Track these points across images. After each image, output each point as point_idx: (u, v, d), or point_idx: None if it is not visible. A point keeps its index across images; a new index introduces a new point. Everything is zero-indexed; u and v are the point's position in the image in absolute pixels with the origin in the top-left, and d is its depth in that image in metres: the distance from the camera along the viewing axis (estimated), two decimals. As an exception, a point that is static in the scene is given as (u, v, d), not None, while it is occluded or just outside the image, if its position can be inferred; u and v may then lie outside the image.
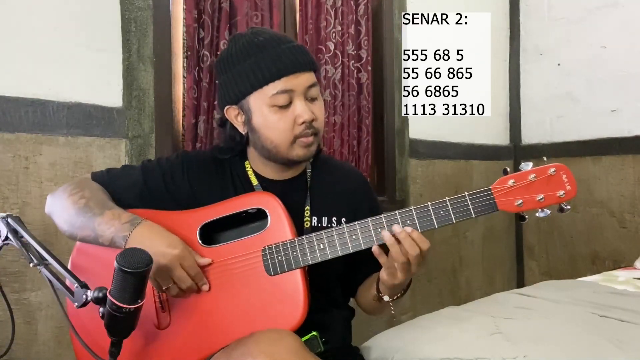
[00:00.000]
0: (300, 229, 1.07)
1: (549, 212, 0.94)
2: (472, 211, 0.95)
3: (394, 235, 0.95)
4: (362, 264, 1.17)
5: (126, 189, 1.10)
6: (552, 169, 0.93)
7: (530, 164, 0.94)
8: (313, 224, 1.12)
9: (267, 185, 1.12)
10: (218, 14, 1.87)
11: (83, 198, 1.05)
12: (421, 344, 1.17)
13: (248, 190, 1.12)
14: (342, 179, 1.21)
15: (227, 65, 1.07)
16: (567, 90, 2.86)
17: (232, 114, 1.10)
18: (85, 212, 1.03)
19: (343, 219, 1.11)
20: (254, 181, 1.13)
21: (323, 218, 1.13)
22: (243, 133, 1.11)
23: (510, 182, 0.94)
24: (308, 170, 1.17)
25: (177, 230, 1.02)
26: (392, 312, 1.08)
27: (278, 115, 1.04)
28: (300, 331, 0.98)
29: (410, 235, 0.95)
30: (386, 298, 1.05)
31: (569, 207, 0.93)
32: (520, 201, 0.93)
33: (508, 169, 0.95)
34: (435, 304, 2.47)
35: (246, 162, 1.16)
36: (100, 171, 1.16)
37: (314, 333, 1.04)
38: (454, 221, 0.95)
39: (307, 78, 1.05)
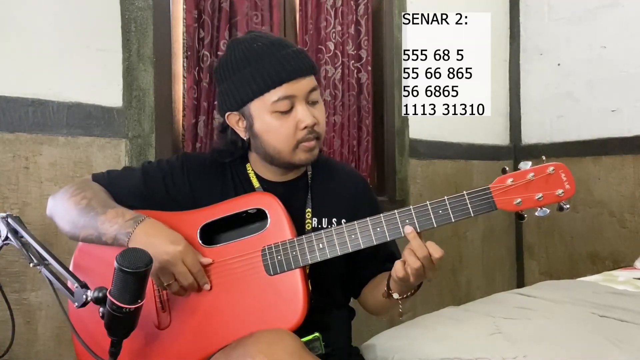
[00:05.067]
0: (301, 231, 1.06)
1: (547, 211, 0.94)
2: (470, 210, 0.94)
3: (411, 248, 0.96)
4: (365, 265, 1.18)
5: (127, 191, 1.10)
6: (551, 168, 0.93)
7: (529, 163, 0.94)
8: (314, 226, 1.12)
9: (269, 187, 1.12)
10: (218, 14, 1.87)
11: (85, 198, 1.05)
12: (421, 344, 1.17)
13: (249, 192, 1.12)
14: (342, 180, 1.21)
15: (227, 72, 1.06)
16: (567, 90, 2.87)
17: (233, 120, 1.10)
18: (88, 212, 1.03)
19: (343, 220, 1.11)
20: (256, 183, 1.13)
21: (323, 219, 1.13)
22: (245, 139, 1.11)
23: (509, 181, 0.93)
24: (309, 172, 1.17)
25: (178, 231, 1.02)
26: (400, 310, 1.08)
27: (280, 121, 1.04)
28: (302, 331, 0.98)
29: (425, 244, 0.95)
30: (395, 296, 1.04)
31: (568, 206, 0.93)
32: (519, 200, 0.93)
33: (507, 168, 0.95)
34: (435, 304, 2.47)
35: (247, 165, 1.16)
36: (101, 173, 1.16)
37: (317, 334, 1.03)
38: (453, 220, 0.95)
39: (307, 82, 1.05)
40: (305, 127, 1.04)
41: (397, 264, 0.97)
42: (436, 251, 0.95)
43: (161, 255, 0.96)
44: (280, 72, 1.02)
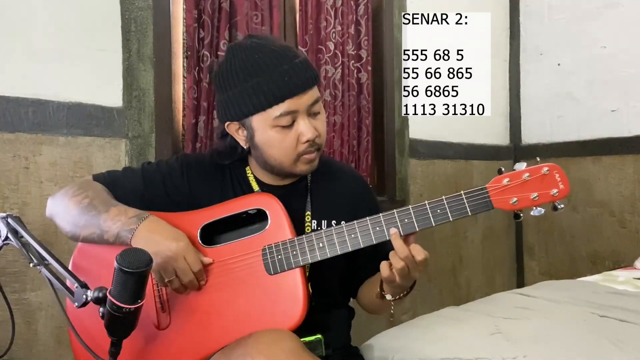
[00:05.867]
0: (301, 234, 1.06)
1: (543, 210, 0.96)
2: (468, 209, 0.96)
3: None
4: (363, 264, 1.17)
5: (127, 193, 1.10)
6: (545, 169, 0.95)
7: (525, 164, 0.96)
8: (314, 228, 1.12)
9: (268, 190, 1.12)
10: (218, 14, 1.87)
11: (87, 198, 1.05)
12: (421, 344, 1.17)
13: (248, 194, 1.12)
14: (341, 181, 1.21)
15: (227, 84, 1.05)
16: (567, 90, 2.86)
17: (233, 128, 1.10)
18: (89, 211, 1.03)
19: (343, 222, 1.11)
20: (255, 186, 1.13)
21: (323, 222, 1.13)
22: (245, 147, 1.11)
23: (505, 181, 0.95)
24: (308, 175, 1.17)
25: (178, 230, 1.02)
26: (392, 311, 1.08)
27: (281, 135, 1.04)
28: (303, 331, 0.98)
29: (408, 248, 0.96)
30: (388, 297, 1.05)
31: (562, 205, 0.95)
32: (515, 199, 0.95)
33: (503, 169, 0.97)
34: (435, 304, 2.47)
35: (247, 168, 1.16)
36: (101, 173, 1.16)
37: (319, 336, 1.03)
38: (451, 219, 0.97)
39: (310, 96, 1.04)
40: (307, 141, 1.04)
41: (383, 264, 0.98)
42: (419, 253, 0.96)
43: (164, 252, 0.96)
44: (283, 89, 1.01)
